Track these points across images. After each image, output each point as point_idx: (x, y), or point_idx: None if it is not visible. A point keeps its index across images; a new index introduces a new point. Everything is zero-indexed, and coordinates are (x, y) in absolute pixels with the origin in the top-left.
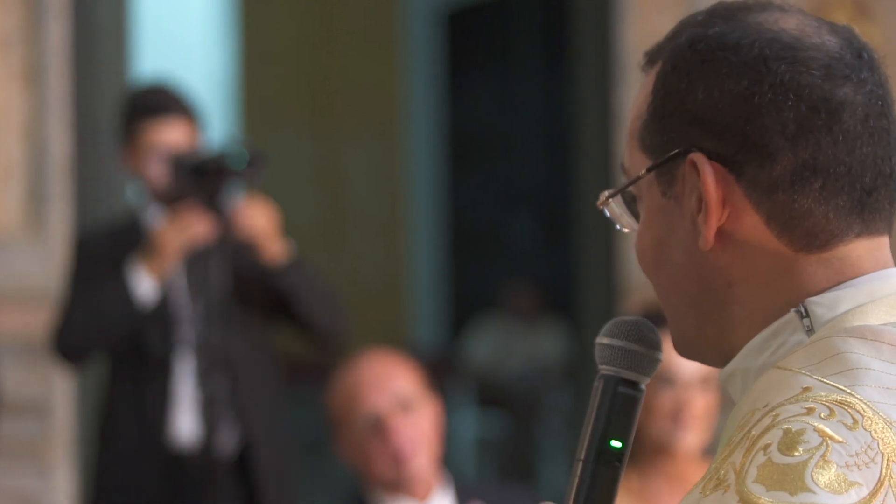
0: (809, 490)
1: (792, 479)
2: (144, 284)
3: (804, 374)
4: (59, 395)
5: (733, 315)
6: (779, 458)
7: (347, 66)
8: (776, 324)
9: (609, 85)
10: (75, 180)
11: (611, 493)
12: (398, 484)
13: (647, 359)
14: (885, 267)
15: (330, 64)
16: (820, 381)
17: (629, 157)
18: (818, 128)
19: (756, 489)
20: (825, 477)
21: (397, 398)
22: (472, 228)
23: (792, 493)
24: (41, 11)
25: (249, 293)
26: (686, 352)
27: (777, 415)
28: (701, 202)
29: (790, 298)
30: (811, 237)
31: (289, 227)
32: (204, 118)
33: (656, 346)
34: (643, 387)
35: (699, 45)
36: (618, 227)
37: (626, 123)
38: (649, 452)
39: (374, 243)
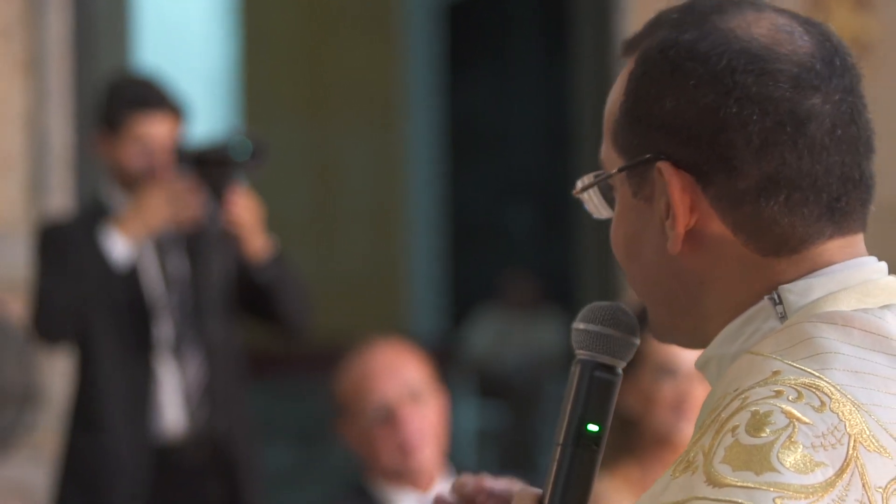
0: (775, 470)
1: (758, 459)
2: (118, 247)
3: (775, 358)
4: (57, 384)
5: (707, 308)
6: (746, 439)
7: (346, 59)
8: (750, 311)
9: (608, 77)
10: (75, 170)
11: (589, 475)
12: (403, 474)
13: (622, 343)
14: (857, 256)
15: (329, 56)
16: (790, 364)
17: (605, 150)
18: (783, 142)
19: (722, 469)
20: (791, 457)
21: (408, 388)
22: (471, 220)
23: (757, 473)
24: (42, 2)
25: (231, 285)
26: (663, 338)
27: (746, 397)
28: (669, 207)
29: (762, 290)
30: (780, 244)
31: (286, 219)
32: (188, 113)
33: (632, 331)
34: (619, 371)
35: (670, 51)
36: (595, 216)
37: (606, 109)
38: (651, 443)
39: (374, 235)
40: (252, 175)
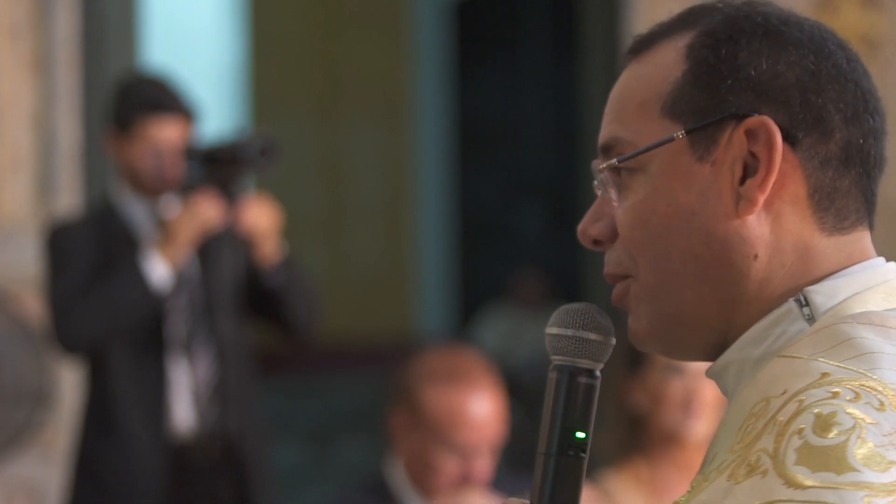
0: (854, 469)
1: (835, 459)
2: (159, 271)
3: (819, 360)
4: (66, 383)
5: (748, 290)
6: (815, 440)
7: (356, 56)
8: (775, 313)
9: (617, 75)
10: (84, 170)
11: (577, 484)
12: (445, 492)
13: (602, 346)
14: (871, 257)
15: (338, 54)
16: (837, 366)
17: (633, 127)
18: (864, 118)
19: (800, 471)
20: (866, 457)
21: (490, 444)
22: (480, 218)
23: (838, 473)
24: (50, 1)
25: (240, 286)
26: (663, 335)
27: (802, 400)
28: (745, 168)
29: (798, 283)
30: (839, 218)
31: (296, 218)
32: (200, 114)
33: (609, 332)
34: (598, 373)
35: (757, 17)
36: (609, 197)
37: (624, 97)
38: (659, 442)
39: (382, 233)
40: (264, 174)
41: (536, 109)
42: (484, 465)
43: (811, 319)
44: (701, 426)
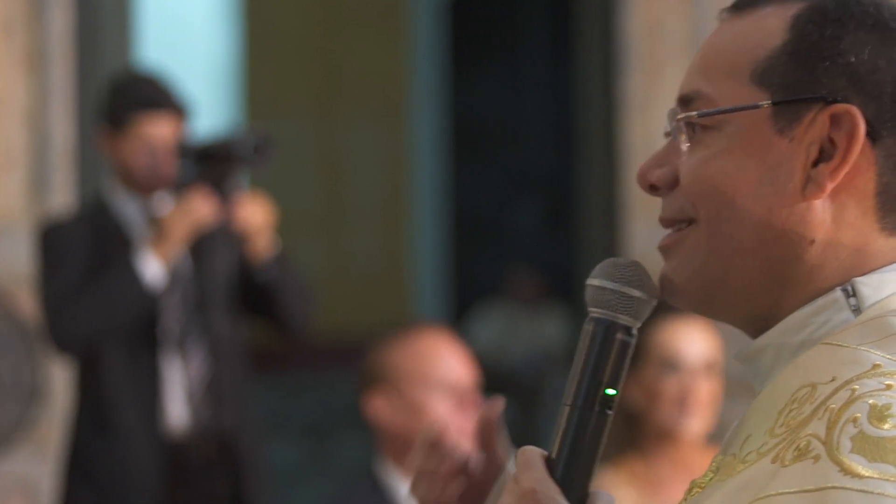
0: None
1: (892, 451)
2: (152, 269)
3: (869, 351)
4: (59, 379)
5: (798, 273)
6: (871, 430)
7: (352, 54)
8: (820, 301)
9: (613, 73)
10: (78, 167)
11: (599, 440)
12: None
13: (644, 304)
14: None
15: (334, 51)
16: (889, 358)
17: (718, 85)
18: None
19: (857, 459)
20: None
21: (474, 378)
22: (476, 215)
23: None
24: None
25: (233, 282)
26: (701, 293)
27: (855, 389)
28: (821, 152)
29: (847, 278)
30: None
31: (292, 215)
32: (193, 111)
33: (653, 293)
34: (635, 332)
35: (870, 7)
36: (679, 146)
37: (716, 51)
38: (654, 438)
39: (378, 230)
40: (258, 171)
41: (533, 108)
42: (476, 413)
43: (857, 310)
44: (696, 423)
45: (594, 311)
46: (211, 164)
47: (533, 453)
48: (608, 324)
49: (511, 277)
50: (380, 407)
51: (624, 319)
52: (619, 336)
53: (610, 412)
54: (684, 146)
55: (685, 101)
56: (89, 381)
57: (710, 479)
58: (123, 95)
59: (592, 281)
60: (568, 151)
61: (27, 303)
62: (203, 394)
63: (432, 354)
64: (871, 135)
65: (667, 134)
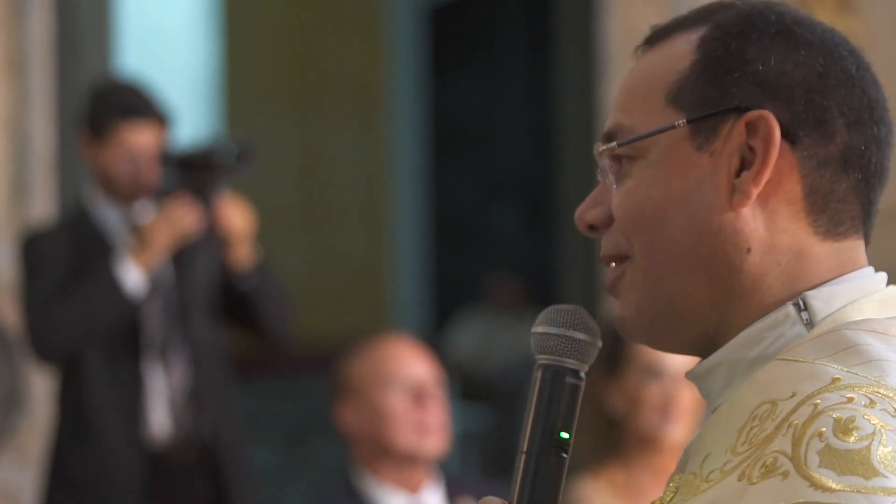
0: (881, 475)
1: (860, 463)
2: (133, 277)
3: (827, 365)
4: (40, 387)
5: (742, 283)
6: (838, 443)
7: (331, 59)
8: (771, 316)
9: (592, 76)
10: (58, 173)
11: (558, 484)
12: (407, 459)
13: (589, 347)
14: (864, 266)
15: (314, 55)
16: (847, 371)
17: (636, 115)
18: (868, 126)
19: (826, 473)
20: (888, 462)
21: (434, 375)
22: (455, 219)
23: (866, 478)
24: (23, 2)
25: (215, 289)
26: (651, 324)
27: (817, 403)
28: (742, 161)
29: (793, 286)
30: (834, 223)
31: (271, 218)
32: (174, 119)
33: (596, 334)
34: (583, 375)
35: (771, 15)
36: (608, 183)
37: (632, 86)
38: (636, 445)
39: (357, 234)
40: (237, 178)
41: (512, 110)
42: (440, 406)
43: (809, 324)
44: (678, 430)
45: (541, 358)
46: (193, 172)
47: (494, 503)
48: (556, 369)
49: (491, 283)
50: (347, 416)
51: (571, 363)
52: (568, 380)
53: (566, 455)
54: (612, 181)
55: (608, 137)
56: (71, 389)
57: (671, 499)
58: (105, 103)
59: (537, 328)
60: (547, 155)
61: (8, 311)
62: (185, 401)
63: (388, 356)
64: (789, 137)
65: (599, 175)
